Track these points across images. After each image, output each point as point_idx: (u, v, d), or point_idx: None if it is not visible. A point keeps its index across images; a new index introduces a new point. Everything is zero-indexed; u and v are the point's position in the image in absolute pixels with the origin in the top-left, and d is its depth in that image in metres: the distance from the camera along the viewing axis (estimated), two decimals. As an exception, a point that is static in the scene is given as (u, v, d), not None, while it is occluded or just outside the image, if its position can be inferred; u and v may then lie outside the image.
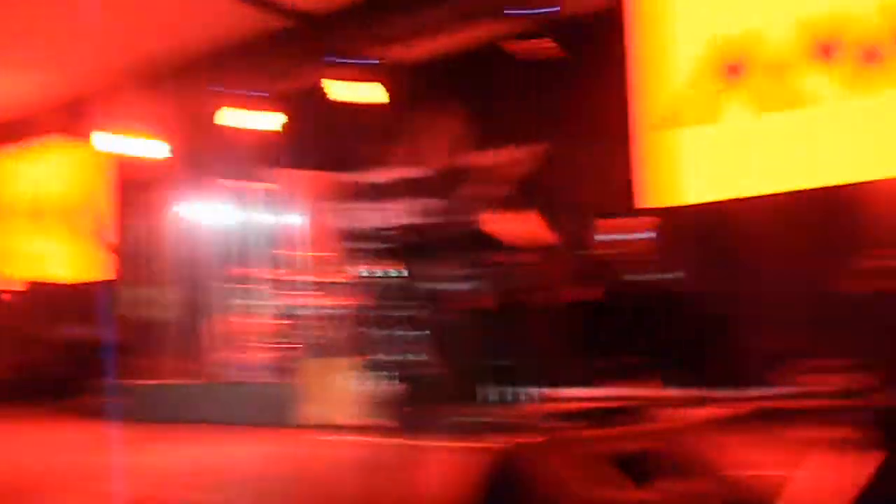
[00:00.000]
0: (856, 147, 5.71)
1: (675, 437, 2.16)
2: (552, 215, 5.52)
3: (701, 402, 4.44)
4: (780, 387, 4.28)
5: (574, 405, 4.52)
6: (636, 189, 6.14)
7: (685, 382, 4.68)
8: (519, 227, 5.41)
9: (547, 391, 4.72)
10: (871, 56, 5.61)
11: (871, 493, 2.53)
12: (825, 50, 5.80)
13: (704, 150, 6.16)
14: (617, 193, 6.16)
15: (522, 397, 4.87)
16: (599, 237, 5.75)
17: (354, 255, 8.34)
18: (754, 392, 4.37)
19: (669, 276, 5.59)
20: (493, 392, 4.97)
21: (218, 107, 9.90)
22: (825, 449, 2.91)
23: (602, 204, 6.08)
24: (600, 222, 5.81)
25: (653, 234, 5.71)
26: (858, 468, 2.63)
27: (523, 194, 5.71)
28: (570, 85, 6.25)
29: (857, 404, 3.00)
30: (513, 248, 5.26)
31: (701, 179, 6.13)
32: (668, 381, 4.72)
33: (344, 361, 8.60)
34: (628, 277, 5.54)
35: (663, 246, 5.67)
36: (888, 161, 5.59)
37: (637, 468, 2.04)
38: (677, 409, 4.33)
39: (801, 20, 5.86)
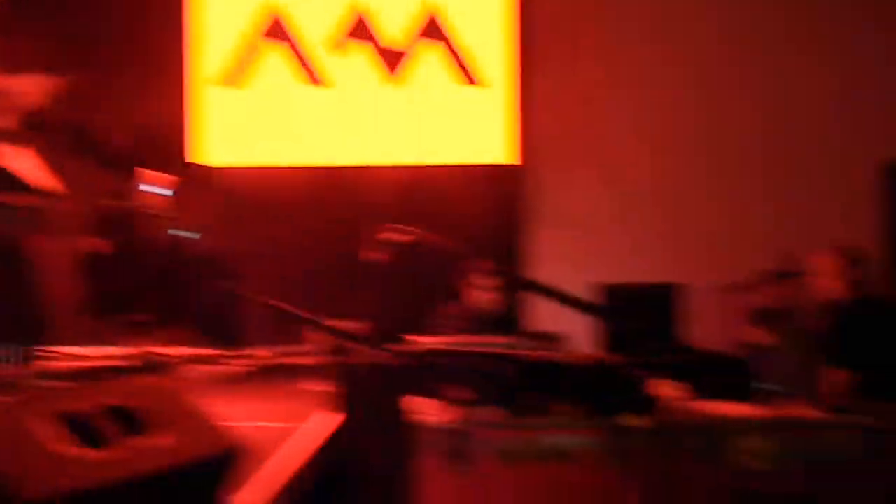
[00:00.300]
0: (375, 133, 6.24)
1: (161, 393, 2.07)
2: (73, 157, 5.03)
3: (206, 359, 4.43)
4: (283, 346, 4.49)
5: (69, 363, 4.17)
6: (170, 144, 5.93)
7: (194, 340, 4.63)
8: (26, 165, 4.80)
9: (43, 349, 4.29)
10: (392, 54, 6.19)
11: (331, 445, 2.75)
12: (355, 36, 6.22)
13: (239, 114, 6.20)
14: (152, 145, 5.86)
15: (13, 356, 4.36)
16: (124, 188, 5.41)
17: None
18: (259, 350, 4.51)
19: (188, 234, 5.49)
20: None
21: None
22: (311, 403, 3.10)
23: (135, 154, 5.71)
24: (127, 173, 5.48)
25: (177, 191, 5.56)
26: (327, 422, 2.85)
27: (37, 129, 5.08)
28: (121, 17, 5.76)
29: (340, 362, 3.25)
30: (16, 188, 4.64)
31: (232, 142, 6.15)
32: (178, 339, 4.62)
33: None
34: (146, 233, 5.31)
35: (186, 204, 5.56)
36: (403, 150, 6.23)
37: (110, 426, 1.90)
38: (181, 365, 4.26)
39: (339, 3, 6.20)
